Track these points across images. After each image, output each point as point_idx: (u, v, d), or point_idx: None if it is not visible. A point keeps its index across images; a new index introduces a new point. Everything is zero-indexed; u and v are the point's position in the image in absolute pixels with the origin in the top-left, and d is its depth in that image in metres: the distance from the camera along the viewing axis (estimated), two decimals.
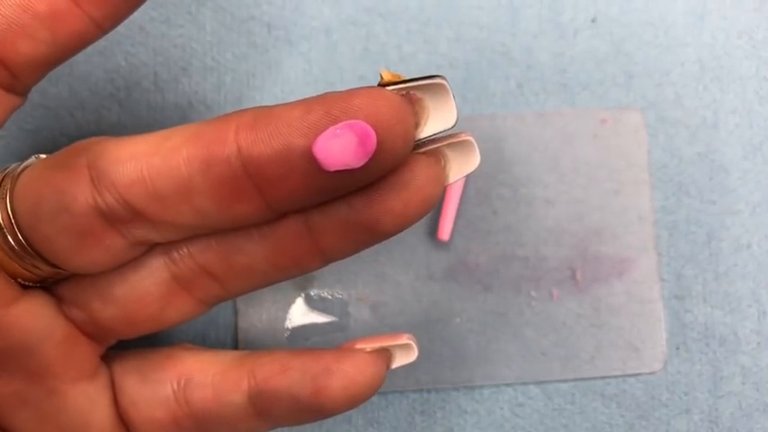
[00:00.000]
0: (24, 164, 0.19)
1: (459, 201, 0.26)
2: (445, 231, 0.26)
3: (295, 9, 0.26)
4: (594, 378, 0.26)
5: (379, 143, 0.16)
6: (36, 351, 0.19)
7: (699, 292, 0.26)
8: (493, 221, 0.26)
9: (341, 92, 0.16)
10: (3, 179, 0.19)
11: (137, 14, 0.26)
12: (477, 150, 0.19)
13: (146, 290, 0.20)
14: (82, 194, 0.17)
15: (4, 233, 0.18)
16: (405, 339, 0.20)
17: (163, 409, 0.20)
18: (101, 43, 0.26)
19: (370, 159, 0.16)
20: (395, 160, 0.17)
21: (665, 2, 0.27)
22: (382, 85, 0.17)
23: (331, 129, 0.16)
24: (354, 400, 0.20)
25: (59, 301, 0.20)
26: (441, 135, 0.18)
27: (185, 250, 0.19)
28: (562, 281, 0.26)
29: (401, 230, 0.18)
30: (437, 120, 0.17)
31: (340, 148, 0.16)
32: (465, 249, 0.26)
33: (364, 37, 0.26)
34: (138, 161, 0.17)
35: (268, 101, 0.26)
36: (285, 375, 0.20)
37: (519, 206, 0.26)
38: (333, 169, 0.16)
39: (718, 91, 0.27)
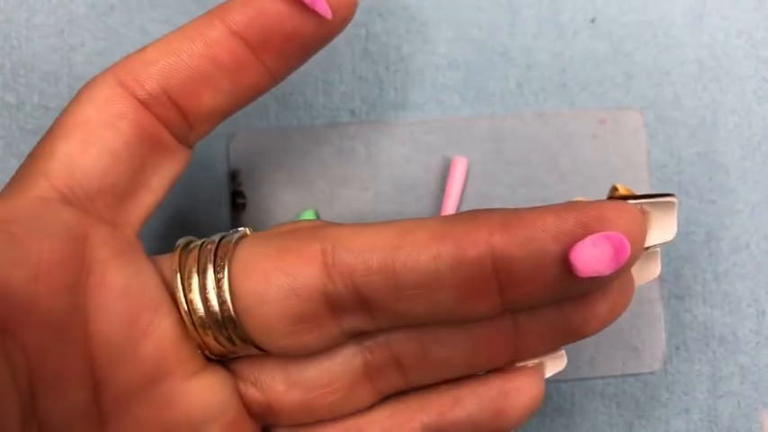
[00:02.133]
0: (237, 236, 0.19)
1: (459, 201, 0.26)
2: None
3: None
4: (594, 378, 0.26)
5: (633, 253, 0.17)
6: (203, 430, 0.19)
7: (698, 291, 0.26)
8: None
9: (589, 202, 0.17)
10: (216, 249, 0.19)
11: (137, 14, 0.26)
12: (659, 261, 0.20)
13: (335, 376, 0.19)
14: (313, 279, 0.18)
15: (209, 303, 0.18)
16: (560, 351, 0.21)
17: None
18: (100, 43, 0.26)
19: (619, 268, 0.17)
20: (628, 270, 0.18)
21: (664, 2, 0.27)
22: (616, 197, 0.18)
23: (590, 238, 0.16)
24: (531, 414, 0.20)
25: (238, 378, 0.19)
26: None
27: (383, 339, 0.19)
28: None
29: (599, 332, 0.19)
30: (659, 232, 0.18)
31: (596, 257, 0.16)
32: None
33: (364, 37, 0.26)
34: (381, 252, 0.17)
35: (268, 101, 0.26)
36: (461, 406, 0.20)
37: (518, 206, 0.26)
38: (585, 276, 0.17)
39: (717, 91, 0.27)
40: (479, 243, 0.17)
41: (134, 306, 0.18)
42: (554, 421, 0.26)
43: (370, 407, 0.20)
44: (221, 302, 0.18)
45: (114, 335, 0.17)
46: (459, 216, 0.18)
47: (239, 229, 0.20)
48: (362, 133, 0.26)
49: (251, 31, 0.18)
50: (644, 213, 0.18)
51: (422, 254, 0.17)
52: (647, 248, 0.18)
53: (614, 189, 0.18)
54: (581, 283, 0.17)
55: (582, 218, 0.17)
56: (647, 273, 0.20)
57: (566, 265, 0.17)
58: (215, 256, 0.18)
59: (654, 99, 0.26)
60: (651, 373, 0.26)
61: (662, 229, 0.18)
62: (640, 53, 0.27)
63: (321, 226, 0.19)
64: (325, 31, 0.19)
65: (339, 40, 0.26)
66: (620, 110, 0.26)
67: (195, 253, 0.19)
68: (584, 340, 0.25)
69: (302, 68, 0.26)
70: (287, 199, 0.26)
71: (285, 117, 0.26)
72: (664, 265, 0.26)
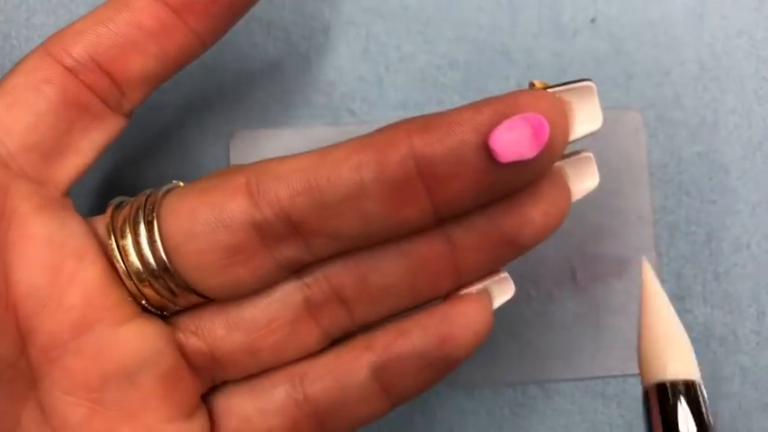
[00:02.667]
0: (166, 187, 0.20)
1: None
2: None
3: (295, 9, 0.26)
4: (594, 378, 0.26)
5: (552, 138, 0.17)
6: (137, 380, 0.18)
7: (698, 292, 0.26)
8: None
9: (502, 95, 0.17)
10: (146, 200, 0.19)
11: None
12: (596, 168, 0.20)
13: (276, 313, 0.19)
14: (239, 209, 0.18)
15: (142, 251, 0.18)
16: (502, 274, 0.20)
17: (280, 416, 0.20)
18: None
19: (541, 151, 0.17)
20: (555, 159, 0.18)
21: (664, 2, 0.27)
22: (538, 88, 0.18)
23: (507, 121, 0.17)
24: (478, 340, 0.20)
25: (177, 329, 0.20)
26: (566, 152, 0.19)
27: (320, 272, 0.19)
28: (561, 281, 0.26)
29: (537, 243, 0.19)
30: (583, 121, 0.18)
31: (515, 139, 0.17)
32: None
33: (364, 37, 0.26)
34: (303, 173, 0.18)
35: (268, 101, 0.26)
36: (405, 337, 0.20)
37: None
38: (507, 161, 0.17)
39: (717, 91, 0.27)
40: (400, 146, 0.17)
41: (57, 255, 0.18)
42: (554, 421, 0.26)
43: (319, 352, 0.20)
44: (153, 249, 0.18)
45: (38, 284, 0.18)
46: (381, 128, 0.18)
47: (172, 182, 0.20)
48: (362, 133, 0.26)
49: None
50: (563, 102, 0.18)
51: (343, 166, 0.17)
52: (578, 150, 0.18)
53: (531, 85, 0.18)
54: (506, 173, 0.17)
55: (498, 107, 0.17)
56: (583, 180, 0.20)
57: (487, 153, 0.17)
58: (145, 205, 0.19)
59: (654, 99, 0.26)
60: None
61: (586, 118, 0.18)
62: (641, 53, 0.27)
63: (251, 163, 0.19)
64: None
65: (339, 40, 0.26)
66: (621, 110, 0.26)
67: (127, 208, 0.19)
68: (583, 340, 0.25)
69: (302, 68, 0.26)
70: None
71: (285, 117, 0.26)
72: (664, 265, 0.26)
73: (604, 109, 0.19)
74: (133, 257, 0.18)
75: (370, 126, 0.26)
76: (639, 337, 0.18)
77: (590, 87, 0.18)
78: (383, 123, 0.26)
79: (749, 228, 0.26)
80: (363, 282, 0.19)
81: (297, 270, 0.19)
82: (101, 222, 0.19)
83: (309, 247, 0.18)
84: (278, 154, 0.26)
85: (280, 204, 0.18)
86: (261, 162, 0.19)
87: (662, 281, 0.26)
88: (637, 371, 0.26)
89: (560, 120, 0.17)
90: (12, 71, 0.19)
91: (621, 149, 0.26)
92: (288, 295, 0.19)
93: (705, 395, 0.18)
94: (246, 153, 0.26)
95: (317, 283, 0.19)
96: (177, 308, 0.20)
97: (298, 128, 0.26)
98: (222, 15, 0.20)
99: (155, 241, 0.18)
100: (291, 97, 0.26)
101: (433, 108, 0.26)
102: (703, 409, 0.18)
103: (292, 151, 0.26)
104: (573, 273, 0.26)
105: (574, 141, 0.18)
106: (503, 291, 0.21)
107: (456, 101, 0.26)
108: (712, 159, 0.26)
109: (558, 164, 0.19)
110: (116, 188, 0.26)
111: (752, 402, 0.26)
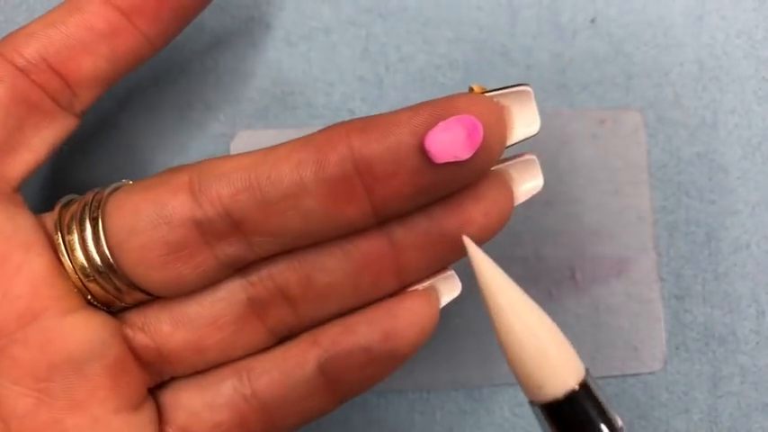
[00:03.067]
0: (114, 185, 0.20)
1: None
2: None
3: (295, 9, 0.26)
4: (594, 378, 0.26)
5: (483, 139, 0.17)
6: (84, 370, 0.19)
7: (698, 292, 0.26)
8: None
9: (440, 98, 0.18)
10: (93, 198, 0.19)
11: None
12: (540, 170, 0.20)
13: (220, 311, 0.20)
14: (181, 207, 0.18)
15: (87, 247, 0.19)
16: (448, 271, 0.21)
17: (227, 410, 0.20)
18: None
19: (476, 153, 0.17)
20: (492, 161, 0.18)
21: (663, 2, 0.27)
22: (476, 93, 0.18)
23: (442, 123, 0.17)
24: (424, 335, 0.20)
25: (125, 324, 0.20)
26: (506, 155, 0.19)
27: (265, 271, 0.20)
28: (561, 281, 0.26)
29: (480, 244, 0.19)
30: (522, 126, 0.19)
31: (450, 140, 0.17)
32: None
33: (364, 37, 0.26)
34: (245, 171, 0.18)
35: (268, 101, 0.26)
36: (351, 331, 0.20)
37: (518, 206, 0.26)
38: (442, 161, 0.17)
39: (717, 91, 0.27)
40: (339, 146, 0.17)
41: (4, 246, 0.18)
42: None
43: (266, 349, 0.20)
44: (97, 245, 0.19)
45: None
46: (322, 129, 0.18)
47: (122, 180, 0.20)
48: None
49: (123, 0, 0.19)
50: (500, 106, 0.18)
51: (284, 165, 0.18)
52: (522, 153, 0.19)
53: (470, 89, 0.19)
54: (443, 173, 0.18)
55: (435, 109, 0.17)
56: (526, 182, 0.20)
57: (423, 154, 0.17)
58: (91, 202, 0.19)
59: (654, 99, 0.26)
60: (651, 373, 0.26)
61: (525, 122, 0.19)
62: (640, 53, 0.27)
63: (194, 163, 0.19)
64: None
65: (339, 40, 0.26)
66: (620, 110, 0.26)
67: (75, 206, 0.19)
68: (583, 340, 0.25)
69: (302, 68, 0.26)
70: None
71: (285, 117, 0.26)
72: (663, 265, 0.26)
73: (605, 109, 0.19)
74: (78, 253, 0.19)
75: None
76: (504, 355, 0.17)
77: (527, 92, 0.18)
78: None
79: (749, 228, 0.26)
80: (308, 280, 0.19)
81: (241, 268, 0.20)
82: (50, 218, 0.20)
83: (252, 245, 0.19)
84: None
85: (221, 202, 0.18)
86: (204, 160, 0.19)
87: (661, 280, 0.26)
88: (637, 371, 0.26)
89: (496, 122, 0.18)
90: None
91: (621, 149, 0.26)
92: (232, 294, 0.20)
93: (594, 385, 0.17)
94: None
95: (261, 281, 0.20)
96: (124, 305, 0.20)
97: (298, 128, 0.26)
98: (171, 19, 0.20)
99: (99, 238, 0.19)
100: (291, 97, 0.26)
101: None
102: (600, 400, 0.17)
103: None
104: (573, 273, 0.26)
105: (513, 144, 0.19)
106: (450, 288, 0.21)
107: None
108: (712, 159, 0.26)
109: (501, 166, 0.20)
110: None
111: (751, 402, 0.26)
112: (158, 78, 0.26)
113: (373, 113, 0.18)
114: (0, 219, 0.19)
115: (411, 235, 0.19)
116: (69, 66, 0.19)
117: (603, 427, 0.16)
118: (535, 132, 0.19)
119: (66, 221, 0.19)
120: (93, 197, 0.19)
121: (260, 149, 0.19)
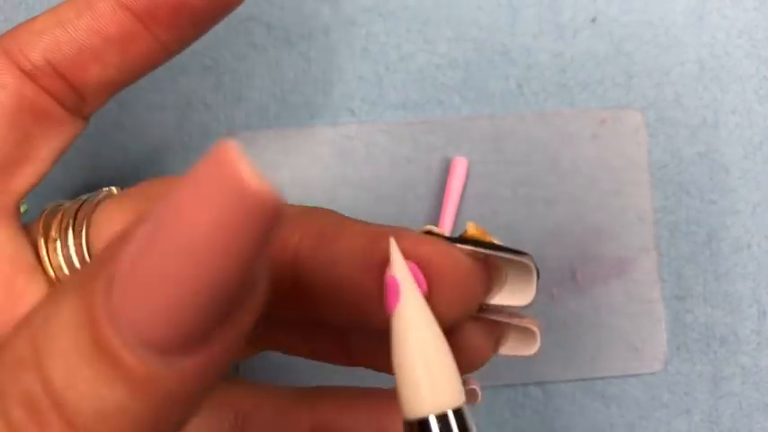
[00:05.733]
0: (99, 196, 0.19)
1: (459, 201, 0.26)
2: (445, 231, 0.25)
3: (295, 9, 0.26)
4: (595, 378, 0.26)
5: (435, 296, 0.15)
6: None
7: (699, 292, 0.26)
8: (493, 221, 0.26)
9: (410, 233, 0.15)
10: (78, 210, 0.19)
11: None
12: (539, 341, 0.17)
13: None
14: None
15: (73, 265, 0.18)
16: (471, 384, 0.20)
17: None
18: None
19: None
20: (455, 316, 0.15)
21: (664, 2, 0.27)
22: (464, 238, 0.16)
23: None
24: None
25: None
26: (511, 310, 0.17)
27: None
28: (562, 281, 0.26)
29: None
30: (512, 293, 0.16)
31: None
32: None
33: (364, 37, 0.26)
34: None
35: (267, 101, 0.26)
36: (349, 416, 0.19)
37: (518, 206, 0.26)
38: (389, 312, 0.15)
39: (718, 90, 0.27)
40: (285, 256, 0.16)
41: (8, 270, 0.18)
42: (554, 421, 0.26)
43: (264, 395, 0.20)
44: (82, 263, 0.18)
45: None
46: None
47: (104, 189, 0.20)
48: (362, 133, 0.26)
49: (138, 3, 0.18)
50: (491, 266, 0.16)
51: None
52: (497, 307, 0.16)
53: (466, 228, 0.16)
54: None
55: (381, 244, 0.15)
56: (521, 348, 0.18)
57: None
58: (75, 217, 0.19)
59: (654, 99, 0.26)
60: (652, 373, 0.26)
61: (517, 291, 0.16)
62: (641, 53, 0.27)
63: (174, 180, 0.19)
64: (217, 4, 0.19)
65: (339, 39, 0.26)
66: (621, 110, 0.26)
67: (59, 216, 0.19)
68: (584, 341, 0.25)
69: (302, 68, 0.26)
70: (286, 199, 0.26)
71: (285, 117, 0.26)
72: (664, 265, 0.26)
73: (605, 109, 0.19)
74: (62, 266, 0.18)
75: (371, 126, 0.26)
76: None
77: (527, 266, 0.16)
78: (383, 123, 0.26)
79: (750, 228, 0.26)
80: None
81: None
82: (34, 230, 0.19)
83: None
84: (278, 154, 0.26)
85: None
86: None
87: (662, 281, 0.26)
88: (638, 371, 0.26)
89: (458, 287, 0.15)
90: None
91: (621, 149, 0.26)
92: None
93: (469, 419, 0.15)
94: (246, 153, 0.26)
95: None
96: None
97: (298, 128, 0.26)
98: (187, 26, 0.19)
99: (83, 257, 0.18)
100: (291, 97, 0.26)
101: (433, 108, 0.26)
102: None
103: (292, 151, 0.26)
104: (573, 273, 0.26)
105: (493, 306, 0.17)
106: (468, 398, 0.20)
107: (456, 101, 0.26)
108: (713, 159, 0.26)
109: (500, 320, 0.17)
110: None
111: (753, 402, 0.26)
112: (157, 78, 0.26)
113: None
114: (1, 239, 0.18)
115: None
116: (77, 72, 0.18)
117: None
118: (525, 305, 0.16)
119: (49, 233, 0.19)
120: (78, 210, 0.19)
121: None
